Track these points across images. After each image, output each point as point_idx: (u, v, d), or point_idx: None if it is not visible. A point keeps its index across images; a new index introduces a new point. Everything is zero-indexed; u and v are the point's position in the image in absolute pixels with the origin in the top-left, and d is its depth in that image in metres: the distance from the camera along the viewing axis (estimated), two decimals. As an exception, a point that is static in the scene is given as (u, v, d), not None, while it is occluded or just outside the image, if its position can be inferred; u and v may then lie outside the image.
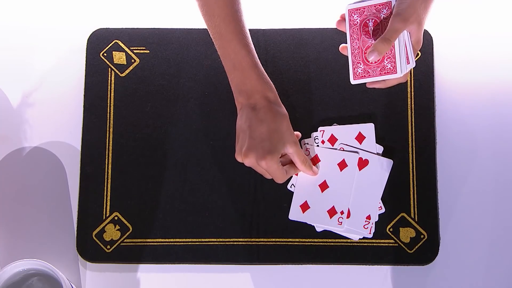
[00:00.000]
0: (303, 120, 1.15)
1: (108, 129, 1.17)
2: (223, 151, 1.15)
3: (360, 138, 1.13)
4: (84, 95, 1.18)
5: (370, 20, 1.03)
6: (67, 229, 1.15)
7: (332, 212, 1.11)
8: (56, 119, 1.18)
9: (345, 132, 1.14)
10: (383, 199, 1.12)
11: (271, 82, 1.06)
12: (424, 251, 1.11)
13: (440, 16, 1.19)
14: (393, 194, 1.13)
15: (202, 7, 1.06)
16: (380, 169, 1.12)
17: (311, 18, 1.20)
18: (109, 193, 1.15)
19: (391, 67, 1.01)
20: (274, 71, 1.17)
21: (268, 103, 1.04)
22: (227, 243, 1.12)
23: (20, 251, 1.14)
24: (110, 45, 1.20)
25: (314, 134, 1.15)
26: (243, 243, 1.12)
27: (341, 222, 1.10)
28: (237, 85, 1.05)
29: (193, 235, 1.13)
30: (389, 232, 1.12)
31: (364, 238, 1.11)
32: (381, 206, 1.12)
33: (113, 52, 1.19)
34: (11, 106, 1.19)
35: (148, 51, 1.19)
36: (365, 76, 1.02)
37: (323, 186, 1.12)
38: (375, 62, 1.01)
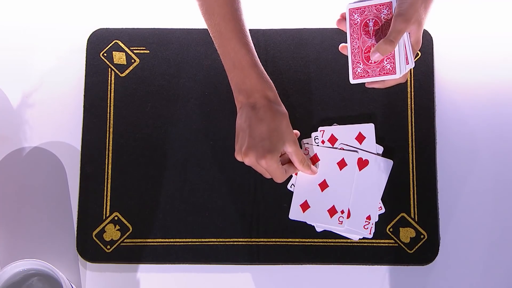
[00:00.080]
0: (303, 120, 1.15)
1: (108, 129, 1.17)
2: (223, 151, 1.15)
3: (360, 138, 1.13)
4: (84, 95, 1.18)
5: (371, 20, 1.03)
6: (67, 229, 1.15)
7: (332, 211, 1.11)
8: (56, 119, 1.18)
9: (345, 132, 1.14)
10: (383, 199, 1.12)
11: (271, 81, 1.06)
12: (424, 251, 1.11)
13: (440, 16, 1.19)
14: (393, 194, 1.13)
15: (202, 6, 1.06)
16: (380, 169, 1.12)
17: (311, 18, 1.20)
18: (109, 193, 1.15)
19: (390, 68, 1.01)
20: (274, 71, 1.17)
21: (268, 102, 1.04)
22: (227, 243, 1.12)
23: (20, 251, 1.14)
24: (110, 45, 1.20)
25: (314, 134, 1.15)
26: (243, 243, 1.12)
27: (342, 221, 1.10)
28: (237, 84, 1.05)
29: (193, 235, 1.13)
30: (389, 232, 1.12)
31: (364, 238, 1.11)
32: (381, 207, 1.12)
33: (113, 52, 1.19)
34: (11, 106, 1.19)
35: (148, 51, 1.19)
36: (364, 76, 1.02)
37: (323, 185, 1.12)
38: (375, 62, 1.02)
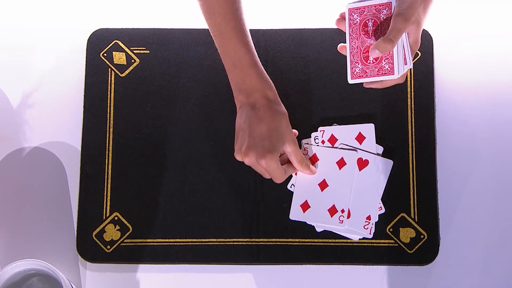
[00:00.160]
0: (303, 120, 1.15)
1: (108, 129, 1.17)
2: (223, 151, 1.15)
3: (360, 138, 1.13)
4: (84, 95, 1.18)
5: (370, 20, 1.03)
6: (67, 229, 1.15)
7: (332, 210, 1.11)
8: (56, 119, 1.18)
9: (345, 132, 1.14)
10: (383, 199, 1.12)
11: (271, 81, 1.06)
12: (424, 251, 1.11)
13: (440, 16, 1.19)
14: (393, 194, 1.13)
15: (202, 5, 1.06)
16: (380, 169, 1.12)
17: (311, 18, 1.20)
18: (109, 193, 1.15)
19: (388, 68, 1.01)
20: (274, 71, 1.17)
21: (267, 102, 1.04)
22: (227, 243, 1.12)
23: (20, 251, 1.14)
24: (110, 45, 1.20)
25: (314, 134, 1.15)
26: (243, 243, 1.12)
27: (342, 221, 1.10)
28: (237, 84, 1.05)
29: (193, 235, 1.13)
30: (389, 232, 1.12)
31: (364, 238, 1.11)
32: (381, 207, 1.12)
33: (113, 52, 1.19)
34: (11, 106, 1.19)
35: (148, 51, 1.19)
36: (362, 76, 1.02)
37: (323, 185, 1.12)
38: (373, 63, 1.01)
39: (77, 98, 1.19)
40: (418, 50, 1.17)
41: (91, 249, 1.13)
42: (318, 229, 1.12)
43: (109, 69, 1.19)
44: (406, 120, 1.15)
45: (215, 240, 1.12)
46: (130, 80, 1.18)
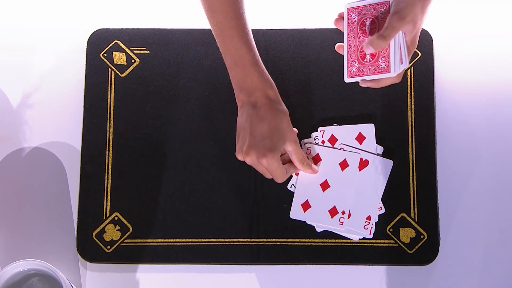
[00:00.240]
0: (303, 120, 1.15)
1: (108, 129, 1.17)
2: (223, 151, 1.15)
3: (360, 138, 1.13)
4: (84, 96, 1.18)
5: (368, 19, 1.03)
6: (67, 229, 1.15)
7: (333, 212, 1.11)
8: (56, 120, 1.18)
9: (345, 133, 1.14)
10: (383, 199, 1.12)
11: (272, 80, 1.06)
12: (424, 251, 1.11)
13: (440, 16, 1.19)
14: (393, 195, 1.13)
15: (204, 4, 1.06)
16: (380, 169, 1.12)
17: (311, 18, 1.20)
18: (109, 193, 1.15)
19: (385, 66, 1.01)
20: (274, 72, 1.17)
21: (268, 101, 1.04)
22: (227, 243, 1.12)
23: (20, 251, 1.14)
24: (110, 45, 1.20)
25: (314, 134, 1.15)
26: (243, 243, 1.12)
27: (343, 222, 1.10)
28: (238, 82, 1.05)
29: (193, 235, 1.13)
30: (389, 233, 1.12)
31: (364, 238, 1.11)
32: (381, 207, 1.12)
33: (113, 53, 1.19)
34: (11, 107, 1.19)
35: (148, 52, 1.19)
36: (359, 74, 1.02)
37: (325, 185, 1.12)
38: (370, 61, 1.01)
39: (77, 98, 1.19)
40: (418, 50, 1.17)
41: (91, 249, 1.13)
42: (318, 229, 1.12)
43: (109, 69, 1.19)
44: (406, 120, 1.15)
45: (215, 240, 1.12)
46: (130, 80, 1.18)
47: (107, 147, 1.16)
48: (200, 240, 1.13)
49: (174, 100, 1.17)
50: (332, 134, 1.14)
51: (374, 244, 1.12)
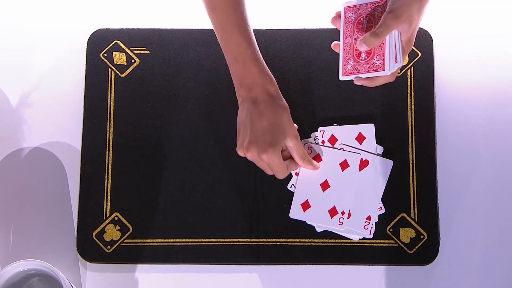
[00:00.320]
0: (303, 120, 1.15)
1: (108, 129, 1.17)
2: (223, 151, 1.15)
3: (360, 138, 1.13)
4: (84, 96, 1.18)
5: (364, 18, 1.03)
6: (67, 229, 1.15)
7: (333, 212, 1.11)
8: (56, 120, 1.18)
9: (345, 133, 1.14)
10: (383, 199, 1.12)
11: (272, 75, 1.06)
12: (424, 251, 1.11)
13: (440, 16, 1.19)
14: (393, 195, 1.13)
15: (205, 0, 1.06)
16: (380, 170, 1.12)
17: (311, 18, 1.20)
18: (109, 193, 1.15)
19: (379, 64, 1.01)
20: (274, 72, 1.16)
21: (268, 97, 1.04)
22: (227, 243, 1.12)
23: (20, 251, 1.14)
24: (110, 45, 1.20)
25: (314, 134, 1.15)
26: (243, 243, 1.12)
27: (342, 223, 1.10)
28: (238, 78, 1.05)
29: (193, 235, 1.13)
30: (389, 233, 1.12)
31: (364, 238, 1.11)
32: (381, 207, 1.12)
33: (113, 53, 1.19)
34: (12, 107, 1.19)
35: (148, 52, 1.19)
36: (354, 72, 1.02)
37: (325, 185, 1.12)
38: (365, 59, 1.02)
39: (77, 98, 1.19)
40: (418, 50, 1.17)
41: (91, 249, 1.13)
42: (318, 229, 1.12)
43: (109, 69, 1.19)
44: (406, 120, 1.15)
45: (215, 240, 1.12)
46: (130, 80, 1.18)
47: (107, 147, 1.16)
48: (200, 240, 1.13)
49: (174, 100, 1.17)
50: (332, 134, 1.14)
51: (374, 244, 1.12)
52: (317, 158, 1.13)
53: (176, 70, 1.18)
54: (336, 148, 1.13)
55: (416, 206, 1.13)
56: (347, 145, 1.13)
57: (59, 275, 1.01)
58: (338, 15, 1.05)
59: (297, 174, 1.13)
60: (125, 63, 1.19)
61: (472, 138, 1.16)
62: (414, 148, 1.14)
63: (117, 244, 1.13)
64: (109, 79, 1.18)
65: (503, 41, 1.19)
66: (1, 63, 1.21)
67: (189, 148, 1.15)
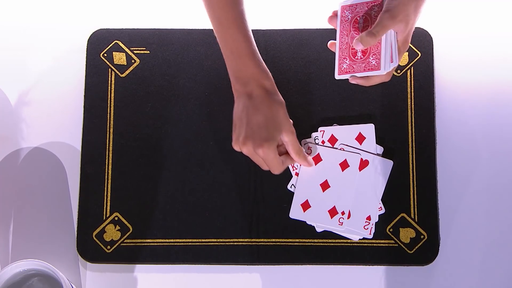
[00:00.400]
0: (303, 120, 1.15)
1: (108, 129, 1.17)
2: (223, 151, 1.15)
3: (360, 138, 1.13)
4: (84, 96, 1.18)
5: (361, 17, 1.03)
6: (67, 229, 1.15)
7: (333, 212, 1.11)
8: (56, 120, 1.18)
9: (345, 133, 1.14)
10: (383, 199, 1.12)
11: (268, 70, 1.06)
12: (424, 251, 1.11)
13: (440, 16, 1.19)
14: (393, 195, 1.13)
15: None
16: (380, 170, 1.12)
17: (311, 18, 1.20)
18: (109, 194, 1.15)
19: (375, 64, 1.01)
20: (274, 72, 1.16)
21: (264, 92, 1.04)
22: (227, 243, 1.12)
23: (20, 251, 1.14)
24: (111, 45, 1.20)
25: (314, 134, 1.15)
26: (243, 243, 1.12)
27: (342, 223, 1.10)
28: (234, 72, 1.05)
29: (193, 235, 1.13)
30: (389, 233, 1.12)
31: (364, 238, 1.11)
32: (381, 207, 1.12)
33: (113, 53, 1.19)
34: (12, 107, 1.19)
35: (148, 52, 1.19)
36: (349, 71, 1.02)
37: (325, 185, 1.12)
38: (360, 58, 1.02)
39: (77, 98, 1.19)
40: (418, 50, 1.17)
41: (91, 249, 1.13)
42: (318, 229, 1.12)
43: (109, 69, 1.19)
44: (406, 120, 1.15)
45: (215, 240, 1.12)
46: (130, 81, 1.18)
47: (107, 147, 1.16)
48: (200, 240, 1.13)
49: (174, 100, 1.17)
50: (332, 134, 1.14)
51: (374, 244, 1.12)
52: (317, 158, 1.13)
53: (176, 70, 1.18)
54: (336, 148, 1.13)
55: (416, 206, 1.13)
56: (347, 145, 1.13)
57: (59, 275, 1.01)
58: (334, 14, 1.05)
59: (297, 174, 1.13)
60: (125, 63, 1.19)
61: (472, 138, 1.16)
62: (414, 148, 1.14)
63: (117, 244, 1.13)
64: (109, 79, 1.18)
65: (503, 41, 1.19)
66: (1, 63, 1.21)
67: (189, 148, 1.15)
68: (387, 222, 1.12)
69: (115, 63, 1.19)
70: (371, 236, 1.11)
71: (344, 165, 1.12)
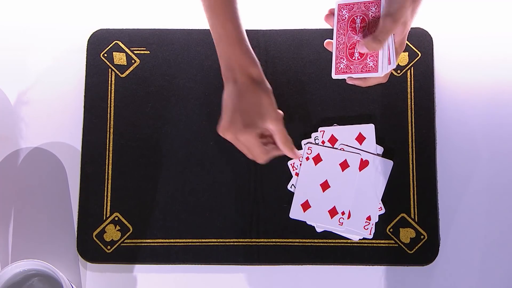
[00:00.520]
0: (303, 120, 1.15)
1: (108, 129, 1.17)
2: (223, 151, 1.15)
3: (360, 138, 1.13)
4: (84, 96, 1.18)
5: (358, 17, 1.03)
6: (67, 229, 1.15)
7: (333, 212, 1.11)
8: (56, 120, 1.18)
9: (345, 133, 1.14)
10: (383, 199, 1.12)
11: (256, 58, 1.05)
12: (424, 251, 1.11)
13: (440, 16, 1.19)
14: (393, 195, 1.13)
15: None
16: (380, 170, 1.12)
17: (311, 19, 1.20)
18: (109, 194, 1.15)
19: (373, 65, 1.00)
20: (274, 72, 1.17)
21: (248, 78, 1.03)
22: (227, 243, 1.12)
23: (20, 251, 1.14)
24: (111, 45, 1.20)
25: (314, 134, 1.15)
26: (243, 243, 1.12)
27: (342, 223, 1.10)
28: (222, 58, 1.05)
29: (193, 236, 1.13)
30: (389, 233, 1.12)
31: (364, 238, 1.11)
32: (381, 207, 1.12)
33: (114, 53, 1.19)
34: (12, 107, 1.19)
35: (149, 52, 1.19)
36: (346, 72, 1.02)
37: (325, 185, 1.12)
38: (358, 59, 1.01)
39: (77, 99, 1.19)
40: (418, 50, 1.17)
41: (91, 249, 1.13)
42: (318, 229, 1.12)
43: (110, 69, 1.19)
44: (406, 120, 1.15)
45: (215, 240, 1.12)
46: (130, 81, 1.18)
47: (107, 147, 1.16)
48: (200, 240, 1.13)
49: (174, 101, 1.17)
50: (332, 134, 1.14)
51: (374, 244, 1.12)
52: (317, 158, 1.13)
53: (176, 70, 1.18)
54: (336, 148, 1.13)
55: (416, 206, 1.13)
56: (347, 145, 1.13)
57: (59, 275, 1.01)
58: (331, 12, 1.04)
59: (297, 174, 1.13)
60: (125, 63, 1.19)
61: (472, 138, 1.16)
62: (414, 148, 1.14)
63: (117, 244, 1.13)
64: (109, 79, 1.18)
65: (503, 41, 1.19)
66: (1, 63, 1.21)
67: (189, 148, 1.15)
68: (387, 222, 1.12)
69: (115, 63, 1.19)
70: (371, 236, 1.11)
71: (344, 165, 1.12)
